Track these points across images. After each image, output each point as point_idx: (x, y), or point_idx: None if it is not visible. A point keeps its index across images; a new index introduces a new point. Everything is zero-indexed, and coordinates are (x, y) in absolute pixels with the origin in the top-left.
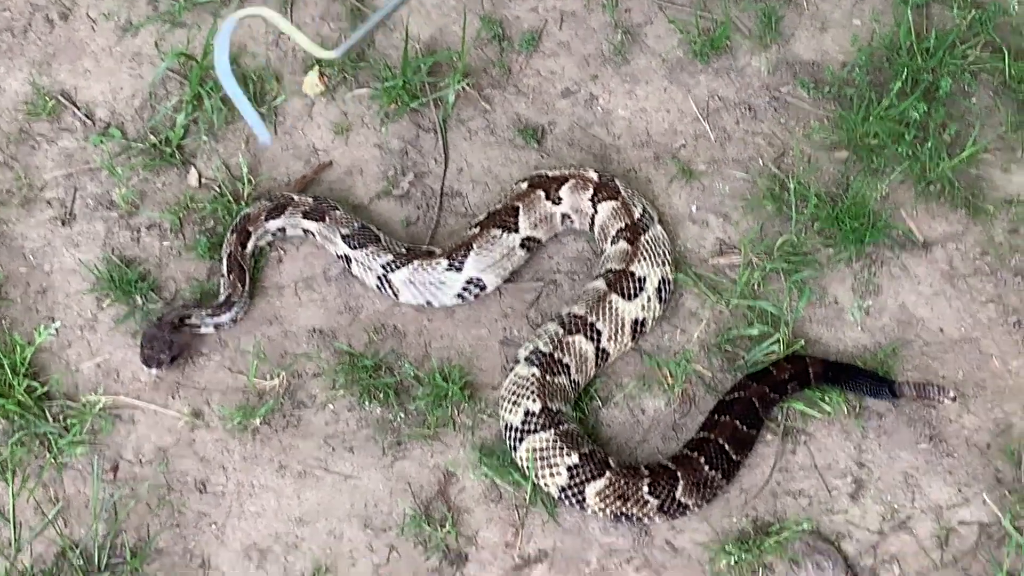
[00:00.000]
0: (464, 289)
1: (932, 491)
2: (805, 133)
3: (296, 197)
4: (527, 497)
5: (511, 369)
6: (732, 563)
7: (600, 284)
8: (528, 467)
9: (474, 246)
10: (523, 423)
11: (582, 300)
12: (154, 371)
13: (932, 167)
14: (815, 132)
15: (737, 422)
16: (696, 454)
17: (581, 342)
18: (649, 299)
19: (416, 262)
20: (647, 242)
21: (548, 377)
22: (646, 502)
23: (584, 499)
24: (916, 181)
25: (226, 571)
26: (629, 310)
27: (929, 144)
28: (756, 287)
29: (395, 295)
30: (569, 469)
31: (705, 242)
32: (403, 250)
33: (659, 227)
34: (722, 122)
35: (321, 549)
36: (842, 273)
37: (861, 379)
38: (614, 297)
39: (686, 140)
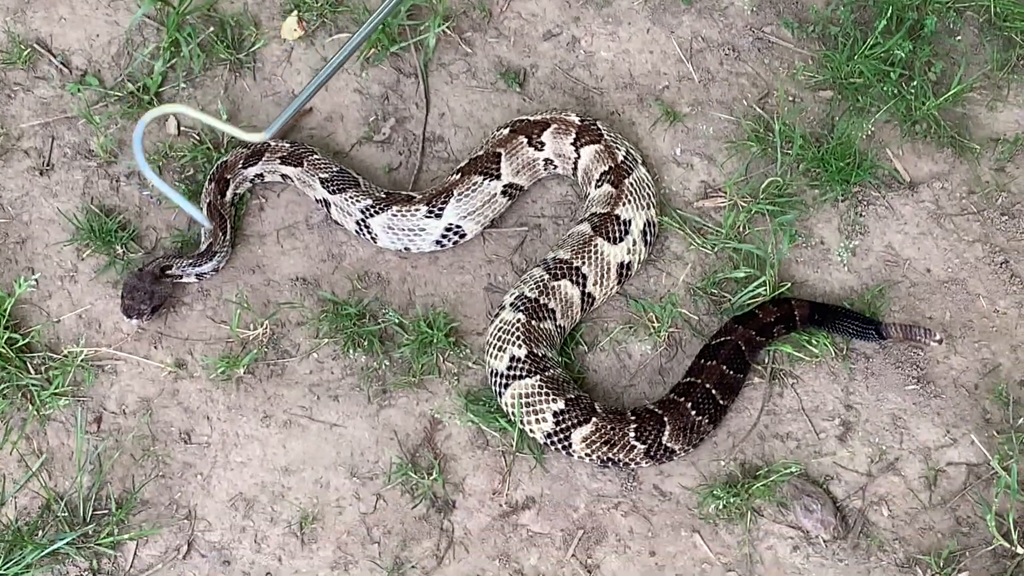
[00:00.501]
0: (443, 236)
1: (920, 432)
2: (789, 73)
3: (273, 143)
4: (514, 444)
5: (496, 315)
6: (720, 507)
7: (585, 228)
8: (514, 413)
9: (454, 193)
10: (508, 369)
11: (567, 244)
12: (135, 322)
13: (918, 106)
14: (799, 72)
15: (724, 367)
16: (683, 399)
17: (567, 287)
18: (635, 242)
19: (395, 207)
20: (631, 185)
21: (533, 322)
22: (632, 447)
23: (570, 445)
24: (902, 120)
25: (212, 521)
26: (615, 254)
27: (914, 83)
28: (742, 229)
29: (373, 240)
30: (555, 415)
31: (690, 184)
32: (382, 195)
33: (643, 169)
34: (706, 63)
35: (307, 498)
36: (828, 214)
37: (848, 321)
38: (599, 241)
39: (669, 82)
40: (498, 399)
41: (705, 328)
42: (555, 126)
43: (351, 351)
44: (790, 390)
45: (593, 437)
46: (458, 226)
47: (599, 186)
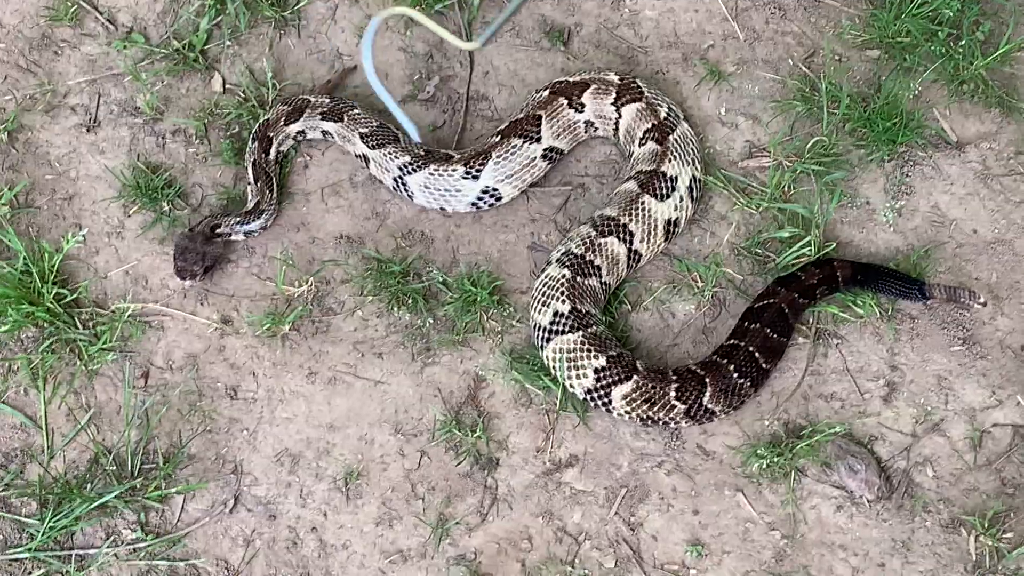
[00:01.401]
0: (479, 198)
1: (965, 393)
2: (836, 32)
3: (313, 99)
4: (557, 402)
5: (542, 270)
6: (764, 466)
7: (632, 186)
8: (555, 367)
9: (493, 155)
10: (552, 323)
11: (614, 202)
12: (188, 283)
13: (965, 66)
14: (846, 31)
15: (767, 330)
16: (725, 361)
17: (613, 244)
18: (681, 199)
19: (433, 166)
20: (676, 141)
21: (579, 279)
22: (673, 407)
23: (610, 402)
24: (949, 80)
25: (258, 476)
26: (662, 210)
27: (962, 42)
28: (787, 189)
29: (410, 197)
30: (596, 371)
31: (734, 144)
32: (421, 152)
33: (686, 125)
34: (751, 22)
35: (352, 454)
36: (874, 174)
37: (891, 281)
38: (647, 198)
39: (715, 41)
40: (540, 353)
41: (749, 288)
42: (595, 86)
43: (395, 309)
44: (835, 350)
45: (634, 395)
46: (495, 189)
47: (643, 144)
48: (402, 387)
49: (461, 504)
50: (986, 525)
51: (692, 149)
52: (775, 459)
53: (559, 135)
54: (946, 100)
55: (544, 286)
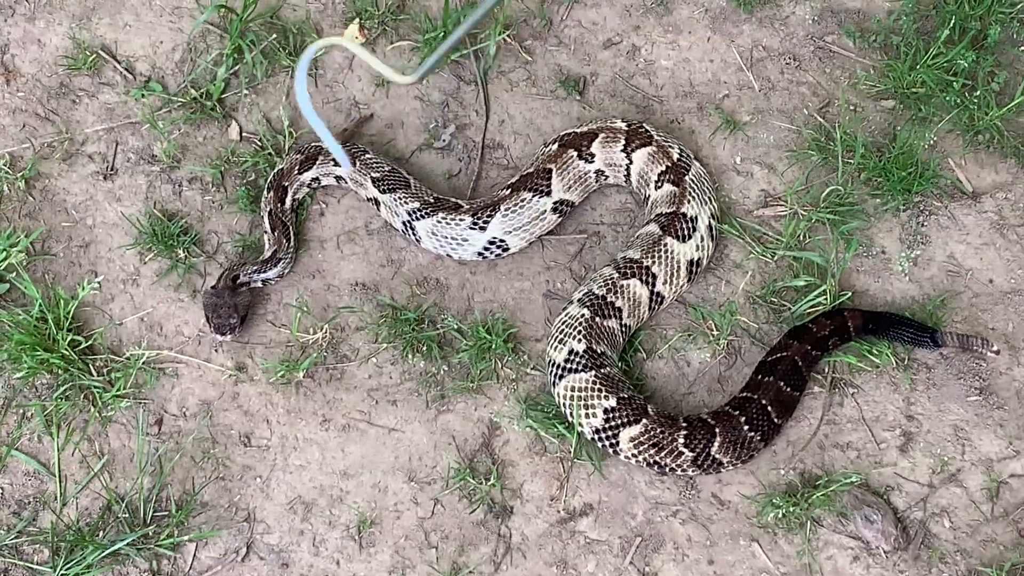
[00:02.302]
0: (485, 248)
1: (982, 444)
2: (851, 82)
3: (324, 145)
4: (572, 450)
5: (564, 309)
6: (780, 516)
7: (653, 228)
8: (566, 405)
9: (501, 207)
10: (566, 361)
11: (636, 245)
12: (228, 337)
13: (980, 116)
14: (861, 81)
15: (781, 383)
16: (737, 413)
17: (635, 286)
18: (702, 238)
19: (441, 214)
20: (692, 181)
21: (598, 319)
22: (680, 453)
23: (618, 443)
24: (964, 130)
25: (271, 524)
26: (684, 251)
27: (977, 93)
28: (802, 238)
29: (418, 242)
30: (606, 412)
31: (750, 193)
32: (431, 199)
33: (698, 164)
34: (766, 72)
35: (366, 502)
36: (889, 223)
37: (903, 329)
38: (669, 240)
39: (730, 90)
40: (552, 390)
41: (764, 337)
42: (603, 135)
43: (410, 356)
44: (850, 400)
45: (642, 438)
46: (502, 240)
47: (659, 187)
48: (416, 434)
49: (475, 553)
50: None
51: (708, 188)
52: (791, 509)
53: (570, 187)
54: (961, 150)
55: (563, 324)
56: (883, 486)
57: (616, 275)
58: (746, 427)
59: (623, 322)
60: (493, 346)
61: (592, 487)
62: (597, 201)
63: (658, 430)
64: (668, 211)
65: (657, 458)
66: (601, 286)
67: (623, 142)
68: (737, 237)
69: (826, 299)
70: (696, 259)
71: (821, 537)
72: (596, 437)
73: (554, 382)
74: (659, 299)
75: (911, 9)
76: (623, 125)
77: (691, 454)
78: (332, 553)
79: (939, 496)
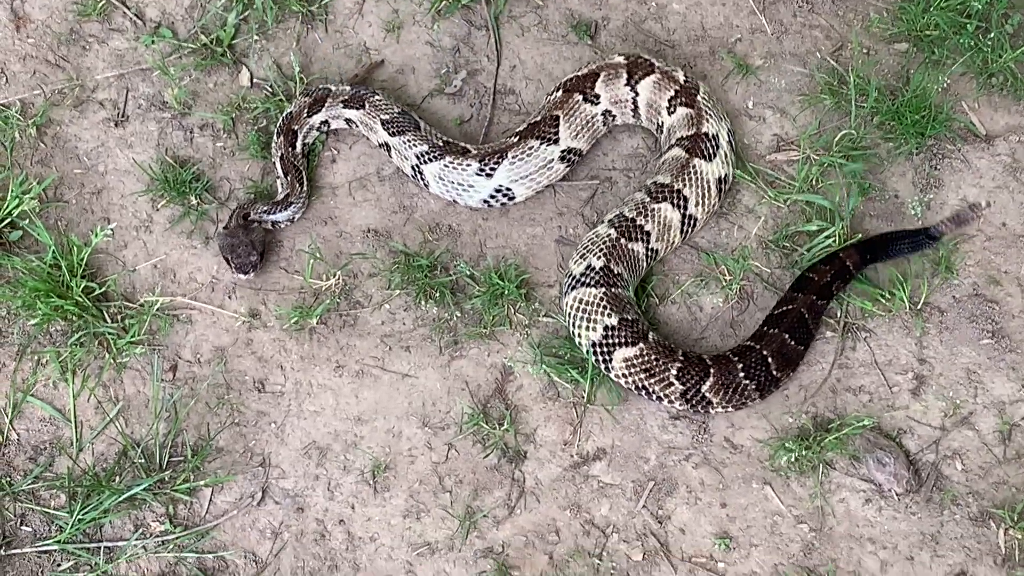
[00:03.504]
0: (492, 196)
1: (995, 387)
2: (864, 25)
3: (334, 88)
4: (585, 395)
5: (593, 228)
6: (792, 460)
7: (679, 152)
8: (570, 316)
9: (508, 155)
10: (581, 274)
11: (664, 170)
12: (252, 275)
13: (994, 59)
14: (874, 24)
15: (786, 336)
16: (736, 359)
17: (666, 210)
18: (726, 154)
19: (448, 159)
20: (704, 100)
21: (623, 241)
22: (670, 384)
23: (611, 361)
24: (978, 73)
25: (286, 469)
26: (712, 170)
27: (991, 35)
28: (814, 183)
29: (426, 187)
30: (606, 328)
31: (762, 138)
32: (440, 142)
33: (703, 84)
34: (779, 15)
35: (380, 447)
36: (902, 167)
37: (899, 244)
38: (696, 161)
39: (742, 34)
40: (562, 299)
41: (777, 281)
42: (604, 74)
43: (423, 302)
44: (863, 344)
45: (635, 361)
46: (508, 188)
47: (672, 112)
48: (429, 380)
49: (488, 497)
50: (1015, 518)
51: (718, 104)
52: (803, 452)
53: (578, 134)
54: (975, 93)
55: (588, 241)
56: (895, 429)
57: (647, 199)
58: (742, 374)
59: (650, 246)
60: (505, 292)
61: (605, 432)
62: (608, 147)
63: (653, 357)
64: (689, 133)
65: (646, 383)
66: (632, 209)
67: (625, 76)
68: (750, 182)
69: (837, 242)
70: (723, 175)
71: (833, 480)
72: (591, 351)
73: (566, 292)
74: (692, 222)
75: None
76: (622, 59)
77: (681, 387)
78: (347, 497)
79: (951, 439)
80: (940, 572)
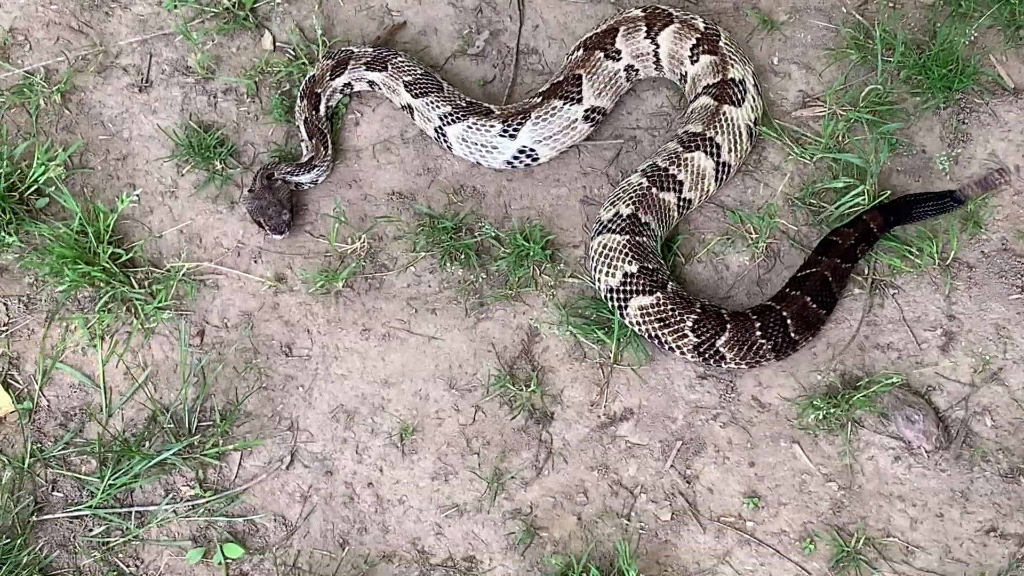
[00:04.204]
0: (515, 157)
1: None
2: None
3: (356, 50)
4: (612, 355)
5: (626, 176)
6: (820, 417)
7: (707, 100)
8: (592, 259)
9: (532, 115)
10: (609, 221)
11: (695, 119)
12: (287, 234)
13: (1022, 11)
14: None
15: (808, 298)
16: (755, 317)
17: (700, 158)
18: (754, 98)
19: (471, 119)
20: (726, 45)
21: (654, 190)
22: (684, 335)
23: (626, 308)
24: (1005, 26)
25: (314, 432)
26: (742, 116)
27: None
28: (840, 139)
29: (449, 149)
30: (625, 275)
31: (787, 94)
32: (463, 103)
33: (723, 30)
34: None
35: (407, 410)
36: (930, 122)
37: (924, 206)
38: (726, 107)
39: None
40: (590, 242)
41: (804, 239)
42: (623, 28)
43: (448, 264)
44: (891, 300)
45: (650, 309)
46: (532, 149)
47: (695, 60)
48: (456, 342)
49: (516, 458)
50: None
51: (740, 48)
52: (831, 410)
53: (601, 92)
54: (1002, 46)
55: (620, 189)
56: (924, 386)
57: (680, 148)
58: (759, 332)
59: (683, 196)
60: (531, 253)
61: (632, 392)
62: (632, 105)
63: (669, 307)
64: (715, 80)
65: (659, 333)
66: (665, 159)
67: (645, 28)
68: (775, 139)
69: (865, 199)
70: (753, 120)
71: (862, 438)
72: (608, 296)
73: (593, 237)
74: (726, 169)
75: None
76: (639, 12)
77: (695, 339)
78: (375, 460)
79: (980, 395)
80: (970, 529)
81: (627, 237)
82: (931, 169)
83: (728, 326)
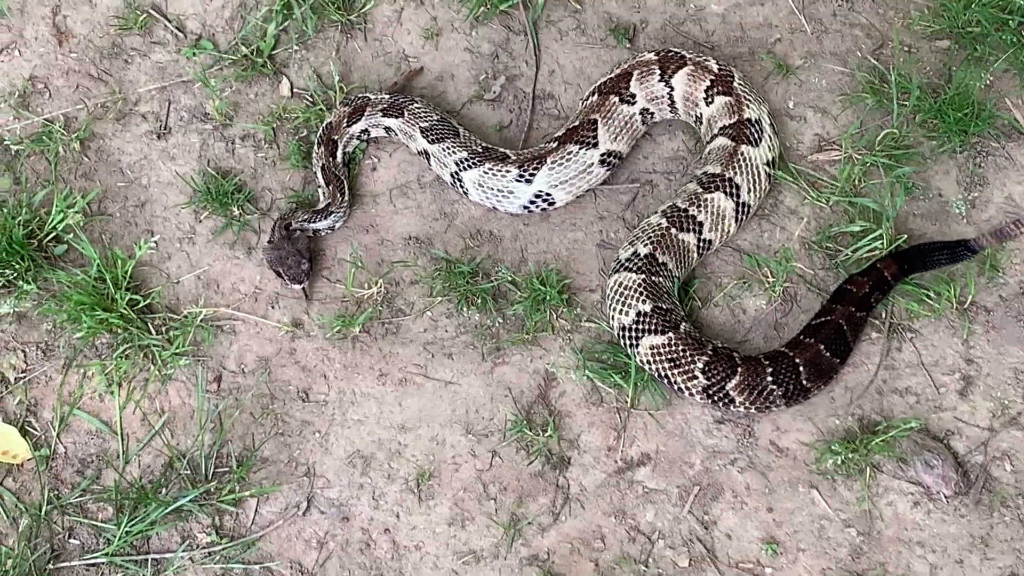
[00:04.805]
0: (531, 202)
1: None
2: (905, 23)
3: (373, 96)
4: (629, 400)
5: (641, 221)
6: (839, 463)
7: (724, 141)
8: (608, 297)
9: (548, 160)
10: (627, 260)
11: (713, 160)
12: (306, 283)
13: None
14: (915, 22)
15: (821, 347)
16: (767, 363)
17: (719, 199)
18: (770, 137)
19: (488, 165)
20: (740, 86)
21: (673, 231)
22: (694, 376)
23: (637, 347)
24: (1021, 69)
25: (331, 478)
26: (759, 155)
27: None
28: (857, 183)
29: (465, 194)
30: (638, 314)
31: (803, 138)
32: (479, 148)
33: (736, 71)
34: (818, 14)
35: (424, 455)
36: (946, 165)
37: (938, 255)
38: (744, 148)
39: (781, 34)
40: (608, 279)
41: (820, 283)
42: (637, 72)
43: (465, 309)
44: (909, 344)
45: (662, 349)
46: (548, 193)
47: (710, 102)
48: (472, 387)
49: (533, 504)
50: None
51: (754, 89)
52: (850, 455)
53: (617, 136)
54: (1018, 90)
55: (640, 229)
56: (943, 431)
57: (700, 189)
58: (770, 378)
59: (703, 236)
60: (547, 297)
61: (649, 437)
62: (649, 149)
63: (680, 348)
64: (731, 121)
65: (669, 373)
66: (684, 200)
67: (658, 71)
68: (791, 183)
69: (882, 243)
70: (771, 159)
71: (881, 483)
72: (621, 334)
73: (609, 275)
74: (746, 209)
75: None
76: (653, 56)
77: (705, 381)
78: (392, 506)
79: (1000, 439)
80: (990, 575)
81: (643, 276)
82: (948, 213)
83: (739, 370)
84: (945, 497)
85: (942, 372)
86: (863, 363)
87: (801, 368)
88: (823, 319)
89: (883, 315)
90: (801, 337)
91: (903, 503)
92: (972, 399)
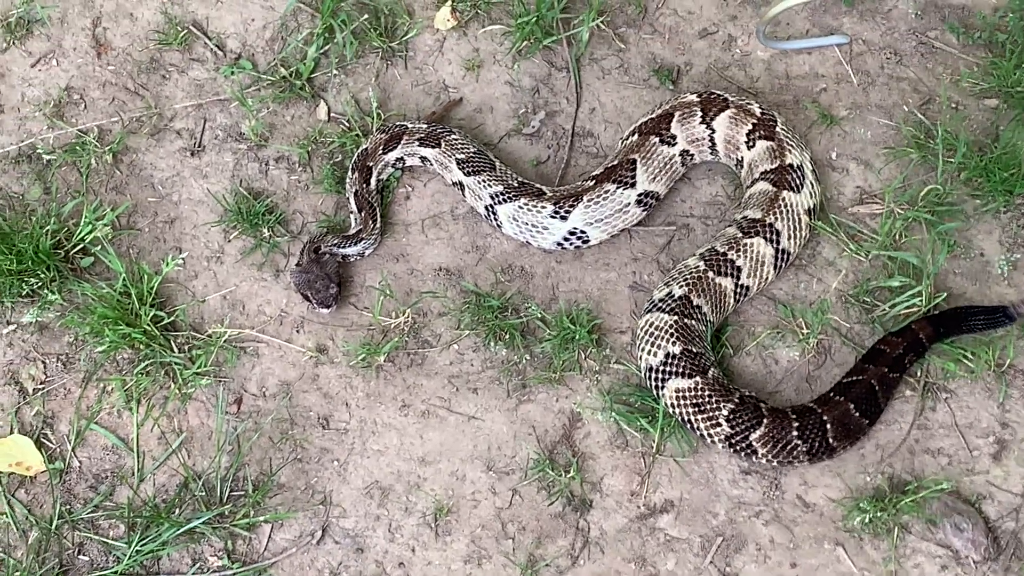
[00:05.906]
0: (565, 239)
1: None
2: (953, 79)
3: (410, 125)
4: (655, 445)
5: (676, 264)
6: (866, 521)
7: (765, 186)
8: (639, 336)
9: (584, 198)
10: (660, 300)
11: (753, 205)
12: (334, 307)
13: None
14: (964, 78)
15: (851, 406)
16: (794, 417)
17: (759, 244)
18: (812, 184)
19: (523, 200)
20: (783, 131)
21: (711, 275)
22: (718, 424)
23: (663, 388)
24: None
25: (347, 508)
26: (801, 201)
27: None
28: (898, 237)
29: (499, 227)
30: (667, 356)
31: (844, 190)
32: (515, 183)
33: (779, 115)
34: (865, 66)
35: (443, 490)
36: (989, 225)
37: (976, 319)
38: (786, 193)
39: (827, 84)
40: (641, 318)
41: (856, 337)
42: (679, 113)
43: (492, 344)
44: (943, 404)
45: (687, 393)
46: (583, 231)
47: (752, 146)
48: (496, 423)
49: (552, 545)
50: None
51: (796, 135)
52: (878, 514)
53: (655, 177)
54: None
55: (677, 271)
56: (975, 494)
57: (739, 234)
58: (795, 432)
59: (740, 282)
60: (577, 336)
61: (674, 484)
62: (687, 193)
63: (706, 393)
64: (773, 166)
65: (693, 418)
66: (723, 244)
67: (700, 113)
68: (831, 234)
69: (921, 300)
70: (812, 207)
71: (909, 544)
72: (647, 375)
73: (642, 315)
74: (785, 256)
75: (1018, 6)
76: (695, 97)
77: (729, 429)
78: (408, 540)
79: None
80: None
81: (675, 318)
82: (989, 273)
83: (765, 421)
84: (974, 562)
85: (976, 435)
86: (896, 421)
87: (828, 426)
88: (855, 378)
89: (918, 373)
90: (831, 394)
91: (931, 566)
92: (1006, 464)
